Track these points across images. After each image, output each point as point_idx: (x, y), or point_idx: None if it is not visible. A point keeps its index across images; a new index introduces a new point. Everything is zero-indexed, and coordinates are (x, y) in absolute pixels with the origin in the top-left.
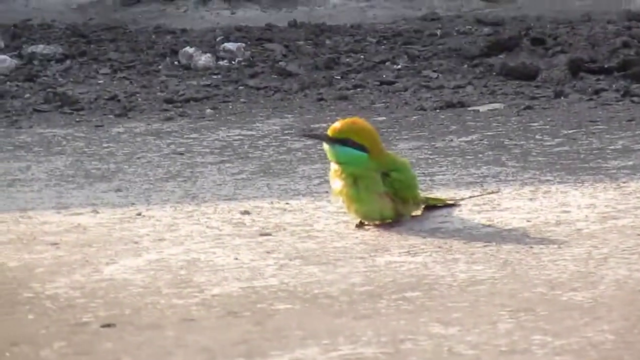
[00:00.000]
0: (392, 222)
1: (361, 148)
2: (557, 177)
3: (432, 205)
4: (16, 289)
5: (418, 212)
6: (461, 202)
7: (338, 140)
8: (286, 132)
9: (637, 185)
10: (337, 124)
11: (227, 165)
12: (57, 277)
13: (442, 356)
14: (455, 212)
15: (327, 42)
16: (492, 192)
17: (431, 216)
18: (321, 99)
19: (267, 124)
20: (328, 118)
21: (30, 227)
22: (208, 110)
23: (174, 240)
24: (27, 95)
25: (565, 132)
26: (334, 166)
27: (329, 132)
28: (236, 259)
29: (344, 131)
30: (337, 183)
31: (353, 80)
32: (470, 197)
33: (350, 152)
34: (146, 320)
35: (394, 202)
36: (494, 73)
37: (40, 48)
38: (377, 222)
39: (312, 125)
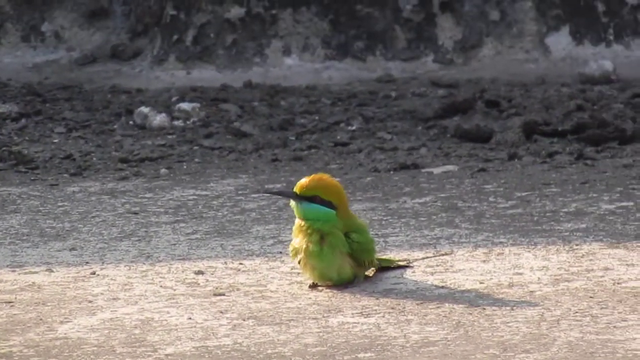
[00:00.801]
0: (346, 283)
1: (329, 205)
2: (510, 239)
3: (385, 267)
4: None
5: (370, 274)
6: (413, 263)
7: (305, 198)
8: (240, 192)
9: (589, 247)
10: (304, 181)
11: (182, 225)
12: (12, 336)
13: None
14: (409, 273)
15: (282, 103)
16: (445, 254)
17: (384, 277)
18: (276, 160)
19: (221, 184)
20: (282, 179)
21: None
22: (163, 170)
23: (128, 300)
24: None
25: (519, 194)
26: (298, 222)
27: (297, 189)
28: (190, 318)
29: (312, 188)
30: (299, 239)
31: (307, 141)
32: (423, 258)
33: (317, 209)
34: None
35: (351, 263)
36: (448, 135)
37: None
38: (330, 283)
39: (266, 186)
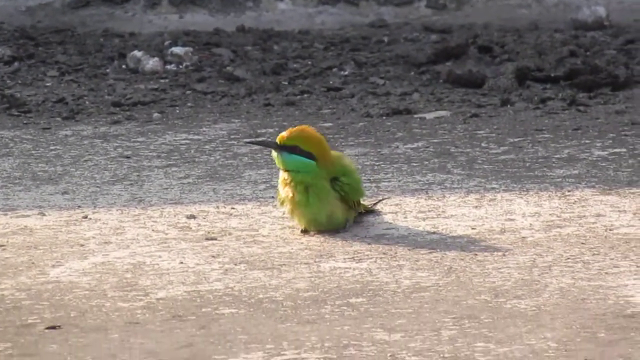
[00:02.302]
0: (337, 228)
1: (309, 156)
2: (502, 185)
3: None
4: None
5: (363, 218)
6: (378, 207)
7: (286, 148)
8: (233, 137)
9: (581, 194)
10: (285, 132)
11: (174, 169)
12: (3, 279)
13: None
14: (400, 218)
15: (275, 47)
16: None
17: (376, 222)
18: (268, 105)
19: (213, 129)
20: (275, 123)
21: None
22: (155, 114)
23: (120, 244)
24: None
25: (511, 140)
26: (282, 174)
27: (278, 140)
28: (181, 262)
29: (292, 139)
30: (285, 190)
31: (300, 86)
32: (380, 199)
33: (298, 160)
34: (91, 323)
35: (342, 206)
36: (441, 80)
37: None
38: (321, 229)
39: (258, 131)
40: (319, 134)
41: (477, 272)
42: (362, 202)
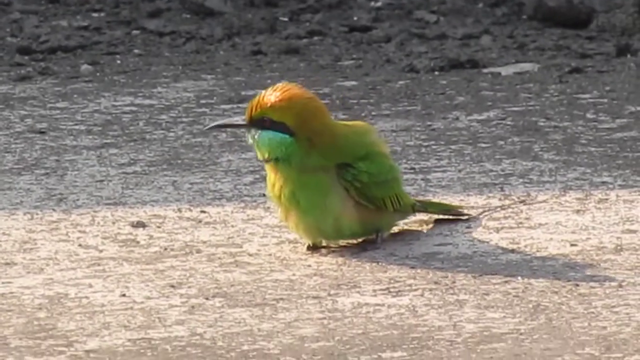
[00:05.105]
0: (363, 242)
1: (282, 128)
2: (618, 178)
3: (431, 216)
4: None
5: (404, 226)
6: (473, 214)
7: (255, 123)
8: (204, 101)
9: None
10: (255, 98)
11: (112, 151)
12: None
13: None
14: (462, 228)
15: None
16: (524, 202)
17: (425, 235)
18: (258, 52)
19: (174, 89)
20: (268, 81)
21: None
22: (84, 66)
23: (29, 266)
24: None
25: (633, 109)
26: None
27: (247, 113)
28: (124, 295)
29: (261, 106)
30: (275, 186)
31: (308, 24)
32: (489, 209)
33: (269, 138)
34: None
35: (361, 207)
36: (524, 16)
37: None
38: (338, 243)
39: (242, 93)
40: (305, 93)
41: (578, 312)
42: (435, 201)
